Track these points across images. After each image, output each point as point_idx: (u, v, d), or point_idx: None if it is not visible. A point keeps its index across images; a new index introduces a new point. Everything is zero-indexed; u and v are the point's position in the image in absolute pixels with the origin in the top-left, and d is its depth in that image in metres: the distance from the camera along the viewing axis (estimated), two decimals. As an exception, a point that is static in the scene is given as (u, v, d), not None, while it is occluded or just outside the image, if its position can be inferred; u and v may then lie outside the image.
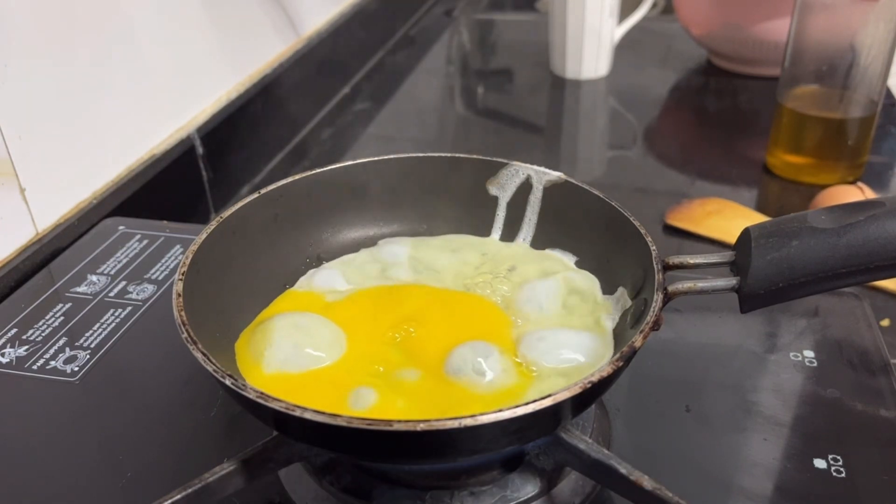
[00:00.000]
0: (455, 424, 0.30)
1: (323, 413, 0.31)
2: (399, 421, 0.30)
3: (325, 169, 0.47)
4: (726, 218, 0.69)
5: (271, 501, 0.39)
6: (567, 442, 0.36)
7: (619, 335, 0.41)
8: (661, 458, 0.41)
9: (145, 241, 0.59)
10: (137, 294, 0.54)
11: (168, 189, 0.70)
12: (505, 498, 0.38)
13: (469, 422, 0.30)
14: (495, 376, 0.38)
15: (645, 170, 0.82)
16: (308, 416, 0.31)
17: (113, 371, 0.47)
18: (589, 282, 0.45)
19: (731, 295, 0.38)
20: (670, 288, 0.38)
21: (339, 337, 0.41)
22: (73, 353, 0.49)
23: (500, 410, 0.31)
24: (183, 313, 0.36)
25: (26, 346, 0.49)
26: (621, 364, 0.33)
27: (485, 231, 0.49)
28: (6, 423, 0.44)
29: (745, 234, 0.39)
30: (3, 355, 0.48)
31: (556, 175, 0.47)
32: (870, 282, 0.48)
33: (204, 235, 0.41)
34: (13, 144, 0.56)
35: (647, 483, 0.34)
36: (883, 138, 0.83)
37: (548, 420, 0.34)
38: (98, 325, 0.51)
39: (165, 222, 0.62)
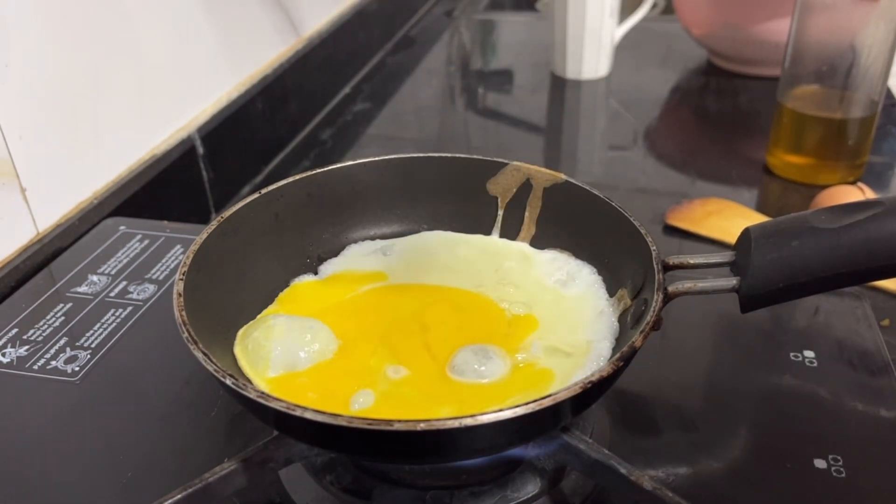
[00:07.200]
0: (455, 424, 0.30)
1: (324, 413, 0.31)
2: (399, 421, 0.30)
3: (325, 169, 0.48)
4: (726, 218, 0.69)
5: (271, 501, 0.39)
6: (567, 442, 0.36)
7: (619, 335, 0.41)
8: (661, 458, 0.41)
9: (146, 241, 0.59)
10: (138, 294, 0.54)
11: (168, 189, 0.70)
12: (505, 498, 0.38)
13: (469, 422, 0.30)
14: (496, 378, 0.38)
15: (645, 170, 0.82)
16: (309, 415, 0.31)
17: (113, 371, 0.47)
18: (590, 280, 0.45)
19: (732, 295, 0.38)
20: (670, 288, 0.38)
21: (338, 338, 0.41)
22: (73, 352, 0.49)
23: (500, 410, 0.31)
24: (184, 313, 0.36)
25: (27, 346, 0.49)
26: (621, 364, 0.34)
27: (485, 231, 0.49)
28: (7, 423, 0.44)
29: (746, 234, 0.39)
30: (3, 355, 0.48)
31: (555, 175, 0.47)
32: (870, 282, 0.48)
33: (204, 235, 0.41)
34: (14, 144, 0.56)
35: (647, 483, 0.34)
36: (883, 138, 0.83)
37: (548, 420, 0.34)
38: (99, 324, 0.51)
39: (166, 222, 0.62)
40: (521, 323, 0.43)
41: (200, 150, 0.74)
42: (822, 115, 0.73)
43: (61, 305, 0.53)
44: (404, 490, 0.38)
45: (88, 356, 0.48)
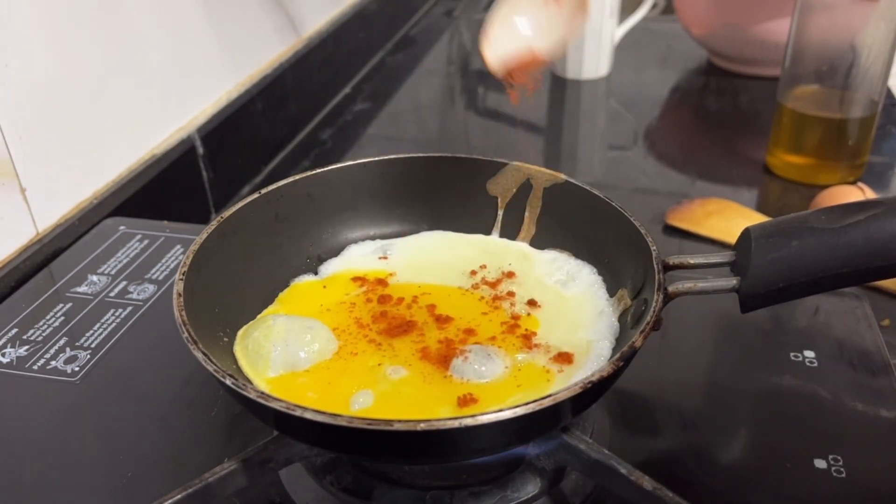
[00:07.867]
0: (455, 424, 0.30)
1: (323, 413, 0.31)
2: (399, 421, 0.30)
3: (325, 169, 0.48)
4: (726, 218, 0.69)
5: (271, 501, 0.39)
6: (568, 442, 0.36)
7: (619, 335, 0.41)
8: (661, 458, 0.41)
9: (146, 241, 0.59)
10: (138, 294, 0.54)
11: (168, 189, 0.70)
12: (505, 498, 0.38)
13: (469, 422, 0.30)
14: (496, 378, 0.38)
15: (645, 170, 0.82)
16: (308, 415, 0.31)
17: (113, 371, 0.47)
18: (590, 280, 0.45)
19: (732, 295, 0.38)
20: (670, 288, 0.38)
21: (338, 338, 0.41)
22: (73, 353, 0.49)
23: (501, 410, 0.31)
24: (183, 313, 0.36)
25: (27, 346, 0.49)
26: (621, 364, 0.34)
27: (485, 231, 0.49)
28: (7, 422, 0.44)
29: (746, 234, 0.39)
30: (3, 355, 0.48)
31: (555, 175, 0.47)
32: (870, 282, 0.48)
33: (204, 235, 0.41)
34: (14, 144, 0.56)
35: (648, 483, 0.34)
36: (883, 138, 0.83)
37: (548, 420, 0.34)
38: (98, 325, 0.51)
39: (166, 222, 0.62)
40: (521, 323, 0.43)
41: (200, 150, 0.74)
42: (822, 115, 0.73)
43: (61, 305, 0.53)
44: (404, 490, 0.38)
45: (88, 356, 0.48)
